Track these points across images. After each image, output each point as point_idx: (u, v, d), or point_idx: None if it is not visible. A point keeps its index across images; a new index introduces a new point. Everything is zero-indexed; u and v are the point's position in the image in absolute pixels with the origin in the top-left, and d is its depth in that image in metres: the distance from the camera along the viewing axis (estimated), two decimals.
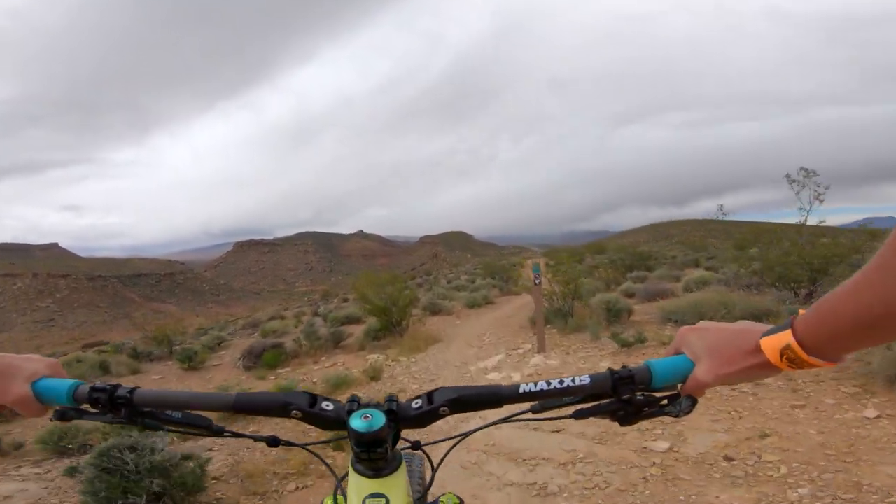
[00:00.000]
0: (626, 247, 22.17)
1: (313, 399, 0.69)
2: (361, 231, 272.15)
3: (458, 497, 0.86)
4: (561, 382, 0.68)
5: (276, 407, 0.69)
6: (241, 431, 0.78)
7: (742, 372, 0.61)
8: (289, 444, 0.78)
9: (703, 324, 0.67)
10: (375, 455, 0.66)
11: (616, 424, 0.69)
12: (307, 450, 0.80)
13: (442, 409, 0.68)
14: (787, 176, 7.32)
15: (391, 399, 0.70)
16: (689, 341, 0.66)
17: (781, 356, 0.56)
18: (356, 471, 0.69)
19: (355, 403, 0.69)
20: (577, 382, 0.67)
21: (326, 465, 0.83)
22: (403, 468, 0.71)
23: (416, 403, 0.70)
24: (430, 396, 0.70)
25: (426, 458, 0.85)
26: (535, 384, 0.69)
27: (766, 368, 0.60)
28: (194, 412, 0.72)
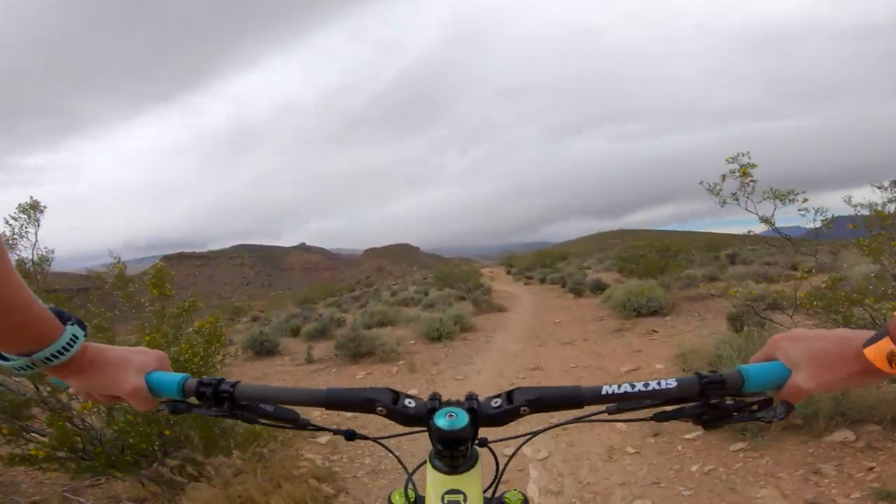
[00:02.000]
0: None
1: (396, 396, 0.70)
2: (304, 244, 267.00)
3: (523, 494, 0.81)
4: (646, 385, 0.68)
5: (363, 402, 0.70)
6: (322, 425, 0.82)
7: (847, 379, 0.62)
8: (364, 437, 0.79)
9: (797, 331, 0.67)
10: (457, 452, 0.68)
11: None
12: (380, 444, 0.83)
13: (522, 408, 0.68)
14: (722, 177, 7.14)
15: (471, 397, 0.70)
16: (784, 348, 0.66)
17: (890, 362, 0.57)
18: (434, 467, 0.70)
19: (437, 401, 0.69)
20: (663, 386, 0.67)
21: (398, 459, 0.86)
22: (479, 465, 0.72)
23: (496, 402, 0.70)
24: (509, 396, 0.70)
25: (491, 455, 0.79)
26: (619, 386, 0.68)
27: (872, 374, 0.60)
28: (286, 406, 0.75)
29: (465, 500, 0.68)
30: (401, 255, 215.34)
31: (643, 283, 9.73)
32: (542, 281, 20.33)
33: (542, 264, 28.35)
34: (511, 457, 0.84)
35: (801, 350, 0.64)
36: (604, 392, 0.68)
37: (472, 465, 0.70)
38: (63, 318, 0.64)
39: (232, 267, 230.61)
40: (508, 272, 30.22)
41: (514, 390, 0.70)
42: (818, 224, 4.15)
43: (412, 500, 0.78)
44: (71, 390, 0.74)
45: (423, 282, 28.71)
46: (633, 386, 0.68)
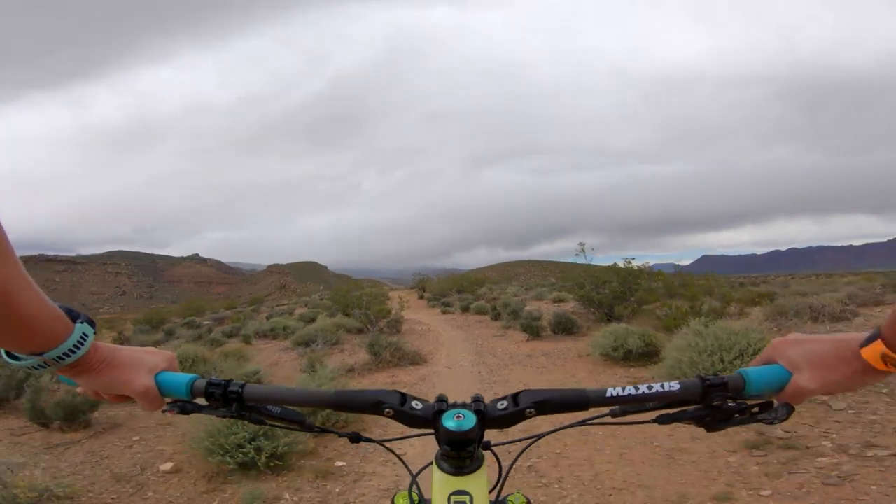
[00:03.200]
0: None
1: (403, 398, 0.70)
2: (197, 255, 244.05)
3: (526, 497, 0.79)
4: (650, 388, 0.68)
5: (371, 404, 0.70)
6: (328, 428, 0.82)
7: (847, 379, 0.63)
8: (369, 440, 0.80)
9: (795, 335, 0.68)
10: (465, 454, 0.68)
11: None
12: (384, 446, 0.83)
13: (528, 410, 0.68)
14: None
15: (478, 399, 0.70)
16: (784, 352, 0.67)
17: (885, 362, 0.59)
18: (441, 468, 0.70)
19: (444, 403, 0.70)
20: (666, 388, 0.67)
21: (403, 462, 0.84)
22: (485, 467, 0.72)
23: (502, 405, 0.70)
24: (515, 398, 0.70)
25: (494, 457, 0.79)
26: (623, 389, 0.68)
27: (870, 374, 0.62)
28: (293, 407, 0.75)
29: (471, 501, 0.68)
30: (307, 274, 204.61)
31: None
32: (466, 310, 16.66)
33: (459, 290, 25.00)
34: (516, 459, 0.83)
35: (801, 353, 0.65)
36: (609, 395, 0.68)
37: (479, 467, 0.71)
38: (72, 316, 0.63)
39: (104, 275, 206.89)
40: (421, 297, 26.24)
41: (520, 392, 0.70)
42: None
43: (416, 502, 0.77)
44: (79, 389, 0.72)
45: (318, 302, 23.65)
46: (637, 388, 0.68)
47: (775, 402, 0.67)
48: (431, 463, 0.73)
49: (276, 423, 0.75)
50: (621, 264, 11.18)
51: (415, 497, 0.76)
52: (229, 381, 0.72)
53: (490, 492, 0.74)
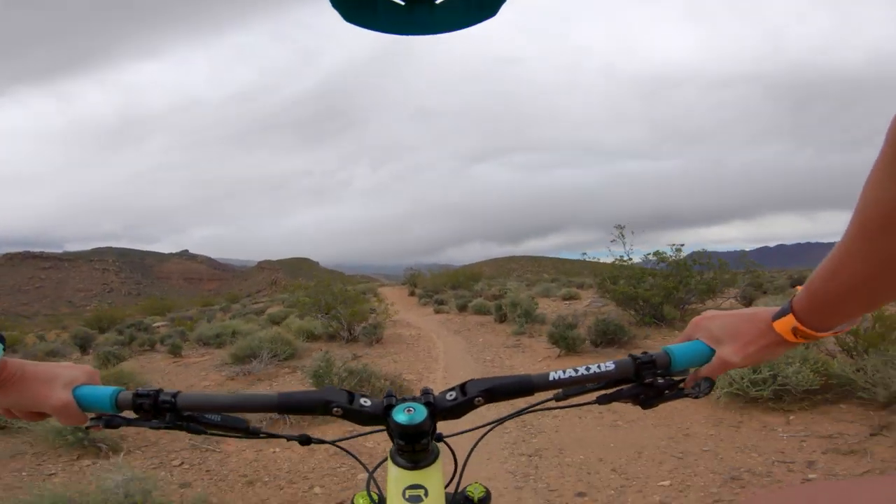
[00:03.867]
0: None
1: (351, 396, 0.70)
2: (187, 251, 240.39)
3: (485, 486, 0.79)
4: (588, 369, 0.70)
5: (319, 405, 0.69)
6: (274, 432, 0.76)
7: (763, 349, 0.66)
8: (320, 441, 0.78)
9: (711, 312, 0.72)
10: (419, 447, 0.67)
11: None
12: (338, 446, 0.81)
13: (476, 399, 0.69)
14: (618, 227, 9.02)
15: (427, 392, 0.70)
16: (705, 327, 0.70)
17: (795, 334, 0.62)
18: (396, 463, 0.69)
19: (393, 398, 0.69)
20: (603, 369, 0.70)
21: (358, 460, 0.82)
22: (440, 460, 0.71)
23: (451, 395, 0.70)
24: (462, 388, 0.70)
25: (448, 449, 0.78)
26: (564, 371, 0.70)
27: (782, 345, 0.65)
28: (234, 414, 0.72)
29: (426, 494, 0.66)
30: (298, 269, 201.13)
31: None
32: (463, 308, 14.07)
33: (454, 285, 22.43)
34: (471, 450, 0.80)
35: (719, 327, 0.69)
36: (551, 378, 0.70)
37: (434, 460, 0.70)
38: None
39: (91, 272, 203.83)
40: (412, 293, 23.64)
41: (466, 382, 0.71)
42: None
43: (376, 500, 0.75)
44: None
45: (300, 299, 20.94)
46: (576, 370, 0.70)
47: (692, 376, 0.71)
48: (386, 459, 0.72)
49: (218, 432, 0.72)
50: (668, 252, 8.62)
51: (374, 496, 0.75)
52: (159, 391, 0.69)
53: (448, 484, 0.74)
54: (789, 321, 0.62)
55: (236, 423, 0.71)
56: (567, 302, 15.16)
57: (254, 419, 0.76)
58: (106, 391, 0.69)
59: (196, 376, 6.61)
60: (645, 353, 0.71)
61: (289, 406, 0.69)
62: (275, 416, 3.50)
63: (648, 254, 8.96)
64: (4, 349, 0.63)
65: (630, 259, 8.83)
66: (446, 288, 22.87)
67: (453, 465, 0.77)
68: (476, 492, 0.77)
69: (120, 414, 0.69)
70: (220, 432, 0.72)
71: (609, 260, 9.39)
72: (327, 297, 10.69)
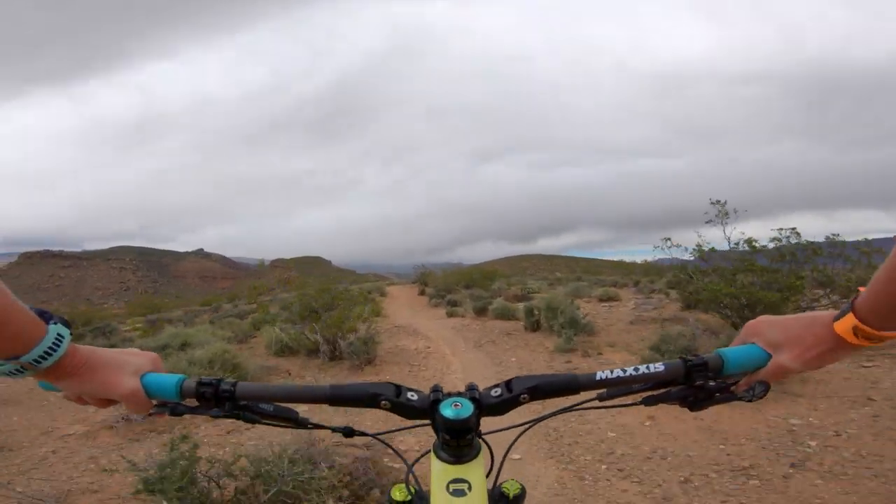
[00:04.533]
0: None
1: (398, 389, 0.71)
2: (202, 249, 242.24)
3: (521, 483, 0.78)
4: (636, 370, 0.69)
5: (367, 397, 0.70)
6: (321, 423, 0.78)
7: (824, 355, 0.64)
8: (363, 433, 0.79)
9: (768, 317, 0.70)
10: (463, 442, 0.68)
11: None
12: (378, 439, 0.82)
13: (522, 396, 0.69)
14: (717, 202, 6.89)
15: (473, 388, 0.71)
16: (761, 332, 0.69)
17: (856, 335, 0.61)
18: (439, 458, 0.70)
19: (439, 393, 0.70)
20: (652, 370, 0.69)
21: (398, 453, 0.85)
22: (482, 455, 0.72)
23: (496, 392, 0.70)
24: (508, 385, 0.71)
25: (485, 445, 0.77)
26: (612, 371, 0.69)
27: (844, 348, 0.63)
28: (285, 404, 0.73)
29: (469, 488, 0.67)
30: (310, 268, 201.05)
31: None
32: (482, 312, 11.68)
33: (468, 284, 20.04)
34: (510, 446, 0.80)
35: (777, 332, 0.67)
36: (598, 378, 0.69)
37: (476, 455, 0.71)
38: (45, 317, 0.61)
39: (109, 270, 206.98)
40: (422, 292, 21.30)
41: (512, 379, 0.71)
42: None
43: (413, 492, 0.76)
44: (62, 394, 0.69)
45: (289, 302, 18.74)
46: (624, 371, 0.69)
47: (748, 379, 0.69)
48: (427, 452, 0.74)
49: (270, 422, 0.74)
50: (778, 236, 6.11)
51: (412, 488, 0.76)
52: (220, 380, 0.71)
53: (488, 477, 0.75)
54: (850, 321, 0.61)
55: (288, 414, 0.73)
56: (606, 304, 12.66)
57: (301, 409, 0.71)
58: (172, 379, 0.70)
59: (53, 418, 4.26)
60: (696, 355, 0.70)
61: (339, 398, 0.70)
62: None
63: (738, 242, 6.46)
64: (71, 334, 0.63)
65: (737, 245, 6.31)
66: (459, 287, 20.54)
67: (490, 460, 0.77)
68: (512, 488, 0.77)
69: (183, 402, 0.70)
70: (272, 422, 0.73)
71: (650, 257, 8.00)
72: (319, 300, 8.45)
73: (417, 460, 0.78)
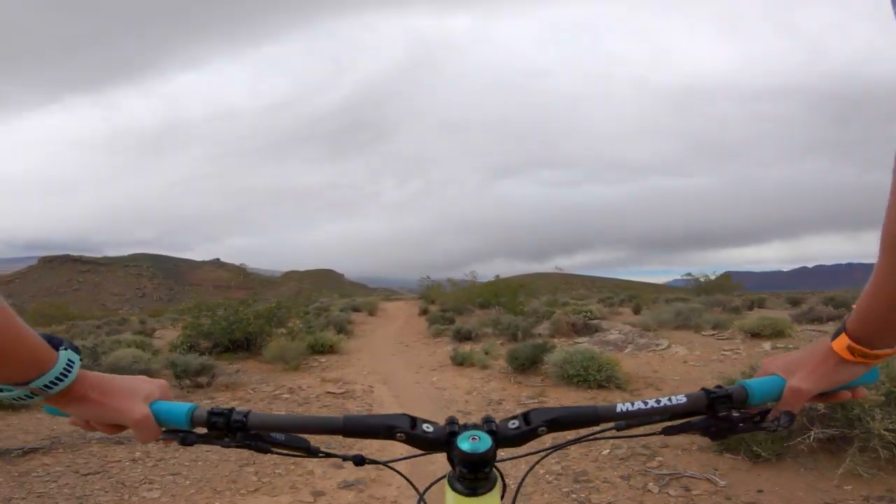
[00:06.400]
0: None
1: (413, 421, 0.70)
2: (218, 259, 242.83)
3: None
4: (658, 402, 0.69)
5: (383, 429, 0.69)
6: (332, 452, 0.78)
7: (830, 372, 0.66)
8: (374, 462, 0.78)
9: (782, 354, 0.74)
10: (482, 475, 0.67)
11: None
12: (390, 467, 0.80)
13: (540, 428, 0.69)
14: None
15: (489, 420, 0.70)
16: (776, 364, 0.71)
17: (852, 353, 0.63)
18: (454, 489, 0.70)
19: (456, 425, 0.69)
20: (673, 402, 0.68)
21: (410, 482, 0.81)
22: (498, 487, 0.71)
23: (514, 424, 0.70)
24: (526, 417, 0.70)
25: (499, 476, 0.75)
26: (633, 404, 0.69)
27: (846, 366, 0.65)
28: (298, 434, 0.73)
29: None
30: (323, 281, 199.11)
31: None
32: (526, 366, 6.07)
33: (487, 301, 14.98)
34: (525, 475, 0.80)
35: (790, 360, 0.70)
36: (619, 410, 0.69)
37: (492, 487, 0.70)
38: (54, 343, 0.61)
39: (127, 276, 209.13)
40: (425, 311, 16.23)
41: (530, 411, 0.71)
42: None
43: None
44: (70, 420, 0.69)
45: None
46: (646, 403, 0.68)
47: (774, 410, 0.69)
48: (438, 480, 0.74)
49: (282, 451, 0.73)
50: None
51: None
52: (232, 410, 0.70)
53: None
54: (844, 340, 0.63)
55: (299, 444, 0.73)
56: (768, 342, 7.35)
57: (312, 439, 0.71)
58: (183, 408, 0.69)
59: None
60: (719, 386, 0.70)
61: (354, 429, 0.69)
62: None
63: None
64: (80, 360, 0.63)
65: None
66: (471, 305, 15.41)
67: (503, 489, 0.76)
68: None
69: (194, 430, 0.70)
70: (284, 451, 0.73)
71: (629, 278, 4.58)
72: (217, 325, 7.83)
73: (429, 488, 0.77)
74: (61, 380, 0.60)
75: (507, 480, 0.75)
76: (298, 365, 7.74)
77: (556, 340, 8.11)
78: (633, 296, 18.93)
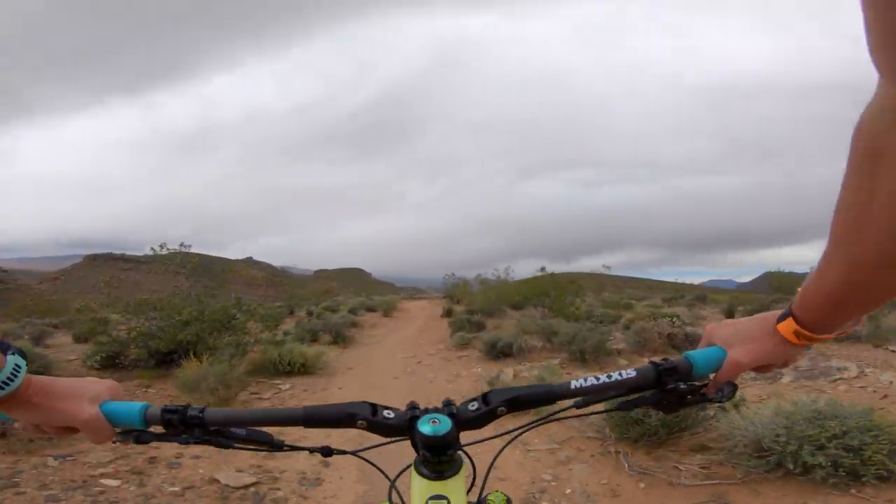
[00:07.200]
0: None
1: (374, 408, 0.70)
2: (251, 258, 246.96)
3: (506, 495, 0.82)
4: (609, 377, 0.71)
5: (343, 418, 0.70)
6: (297, 444, 0.76)
7: (771, 351, 0.67)
8: (342, 452, 0.78)
9: (725, 321, 0.74)
10: (444, 458, 0.68)
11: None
12: (359, 456, 0.81)
13: (499, 409, 0.70)
14: None
15: (449, 403, 0.71)
16: (718, 333, 0.72)
17: (797, 337, 0.64)
18: (419, 473, 0.70)
19: (417, 409, 0.70)
20: (624, 376, 0.70)
21: (379, 469, 0.82)
22: (463, 470, 0.72)
23: (473, 405, 0.71)
24: (485, 398, 0.71)
25: (467, 458, 0.77)
26: (586, 380, 0.71)
27: (790, 347, 0.66)
28: (258, 428, 0.73)
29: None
30: (351, 280, 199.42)
31: None
32: (632, 430, 2.97)
33: (522, 302, 12.10)
34: (494, 459, 0.81)
35: (731, 331, 0.71)
36: (573, 386, 0.70)
37: (457, 470, 0.70)
38: (2, 349, 0.61)
39: (165, 274, 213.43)
40: (448, 313, 13.45)
41: (489, 392, 0.71)
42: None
43: None
44: (18, 424, 0.70)
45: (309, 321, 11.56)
46: (597, 378, 0.70)
47: (713, 382, 0.71)
48: (409, 467, 0.73)
49: (244, 446, 0.72)
50: None
51: (396, 502, 0.76)
52: (187, 406, 0.70)
53: (470, 492, 0.74)
54: (790, 324, 0.64)
55: (261, 437, 0.72)
56: None
57: (275, 432, 0.72)
58: (135, 407, 0.69)
59: None
60: (665, 359, 0.71)
61: (314, 419, 0.69)
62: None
63: None
64: (27, 364, 0.64)
65: None
66: (505, 308, 12.56)
67: (472, 474, 0.78)
68: (497, 500, 0.79)
69: (149, 429, 0.69)
70: (247, 446, 0.72)
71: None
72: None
73: (399, 475, 0.78)
74: (7, 384, 0.60)
75: (475, 462, 0.76)
76: (234, 395, 5.12)
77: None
78: (701, 296, 15.66)
